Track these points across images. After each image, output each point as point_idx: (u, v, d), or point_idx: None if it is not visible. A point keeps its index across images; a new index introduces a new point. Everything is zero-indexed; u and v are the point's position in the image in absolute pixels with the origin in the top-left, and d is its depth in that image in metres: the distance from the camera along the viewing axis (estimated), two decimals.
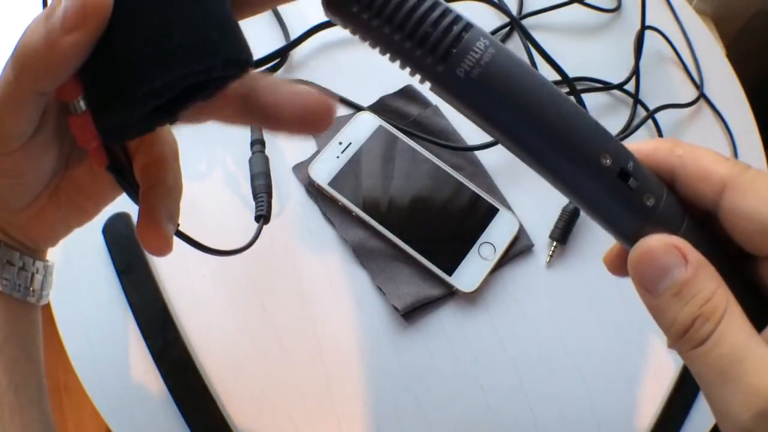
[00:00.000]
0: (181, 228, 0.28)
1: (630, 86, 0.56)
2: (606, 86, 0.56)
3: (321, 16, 0.56)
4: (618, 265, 0.25)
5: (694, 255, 0.21)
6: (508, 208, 0.49)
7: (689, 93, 0.57)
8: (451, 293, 0.47)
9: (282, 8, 0.57)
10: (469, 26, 0.20)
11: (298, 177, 0.50)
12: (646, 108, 0.56)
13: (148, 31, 0.20)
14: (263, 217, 0.45)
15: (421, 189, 0.49)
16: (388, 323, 0.46)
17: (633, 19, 0.61)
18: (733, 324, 0.20)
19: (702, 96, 0.57)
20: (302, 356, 0.45)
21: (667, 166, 0.23)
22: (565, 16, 0.59)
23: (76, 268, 0.47)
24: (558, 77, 0.54)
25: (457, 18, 0.20)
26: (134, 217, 0.48)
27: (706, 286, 0.21)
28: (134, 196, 0.27)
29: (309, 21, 0.55)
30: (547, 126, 0.21)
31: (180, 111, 0.23)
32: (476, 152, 0.52)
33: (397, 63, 0.21)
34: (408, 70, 0.21)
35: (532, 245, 0.49)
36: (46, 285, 0.33)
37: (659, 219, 0.22)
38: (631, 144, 0.23)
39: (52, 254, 0.47)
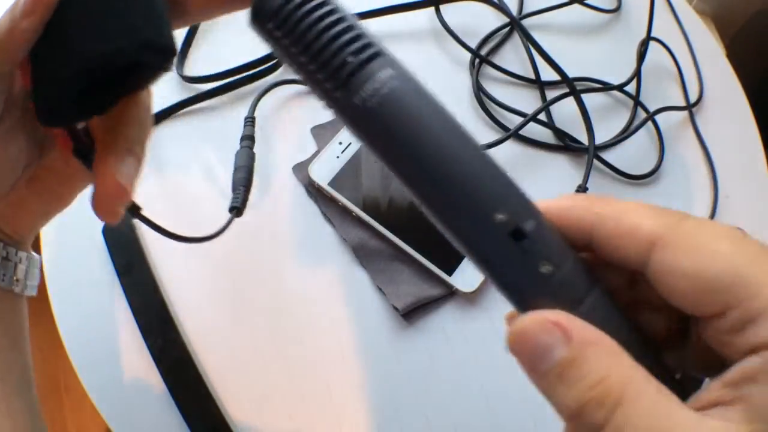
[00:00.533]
0: (167, 220, 0.30)
1: (630, 87, 0.56)
2: (606, 87, 0.56)
3: None
4: None
5: (581, 331, 0.18)
6: None
7: (689, 94, 0.57)
8: (451, 293, 0.47)
9: None
10: (377, 54, 0.20)
11: (298, 177, 0.50)
12: (645, 109, 0.56)
13: (79, 19, 0.22)
14: (236, 209, 0.45)
15: None
16: (388, 323, 0.46)
17: (633, 19, 0.61)
18: (640, 407, 0.17)
19: (702, 98, 0.57)
20: (302, 356, 0.45)
21: (584, 226, 0.20)
22: (565, 16, 0.59)
23: (76, 268, 0.47)
24: (558, 77, 0.54)
25: (367, 45, 0.20)
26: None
27: (596, 366, 0.18)
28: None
29: None
30: (438, 168, 0.19)
31: (114, 100, 0.25)
32: None
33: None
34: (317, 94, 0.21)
35: None
36: (31, 276, 0.33)
37: (555, 290, 0.19)
38: (545, 201, 0.21)
39: (53, 254, 0.48)
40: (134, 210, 0.30)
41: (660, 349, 0.22)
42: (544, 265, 0.19)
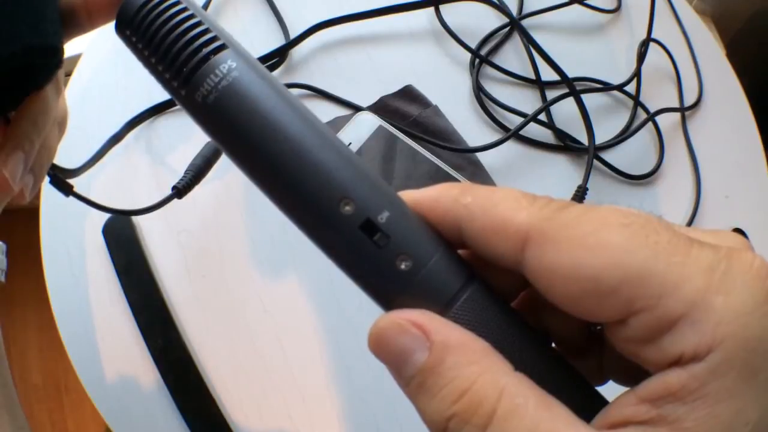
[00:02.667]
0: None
1: (630, 87, 0.56)
2: (606, 87, 0.56)
3: (321, 16, 0.56)
4: None
5: (442, 334, 0.16)
6: None
7: (689, 94, 0.57)
8: None
9: (282, 7, 0.57)
10: (220, 48, 0.19)
11: None
12: (645, 110, 0.56)
13: None
14: (177, 190, 0.43)
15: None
16: None
17: (633, 19, 0.61)
18: (515, 426, 0.14)
19: (701, 97, 0.57)
20: (302, 356, 0.45)
21: (451, 219, 0.18)
22: (565, 16, 0.59)
23: (76, 268, 0.47)
24: (558, 77, 0.54)
25: (210, 39, 0.19)
26: (134, 217, 0.48)
27: (460, 374, 0.15)
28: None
29: (309, 20, 0.55)
30: (279, 157, 0.18)
31: (9, 102, 0.27)
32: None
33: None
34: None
35: None
36: None
37: (418, 287, 0.18)
38: (412, 193, 0.19)
39: (53, 254, 0.48)
40: (66, 189, 0.33)
41: (566, 353, 0.19)
42: (402, 260, 0.18)
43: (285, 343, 0.45)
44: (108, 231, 0.47)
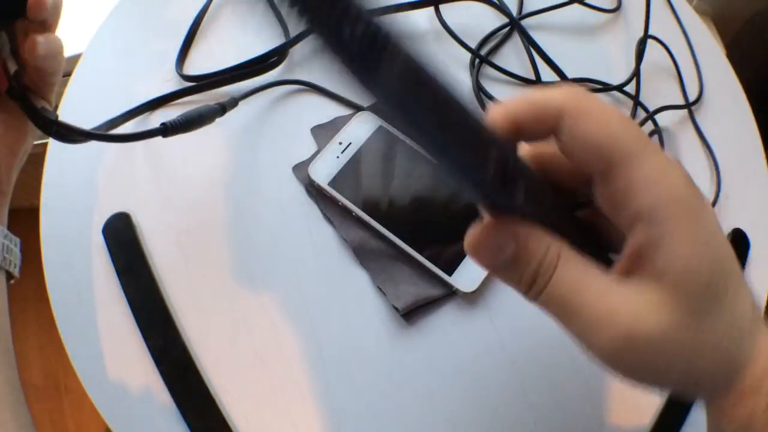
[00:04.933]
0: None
1: (630, 87, 0.56)
2: (606, 87, 0.56)
3: None
4: None
5: (521, 229, 0.24)
6: None
7: (689, 94, 0.57)
8: (451, 293, 0.47)
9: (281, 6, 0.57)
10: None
11: (298, 177, 0.50)
12: (645, 109, 0.56)
13: None
14: (164, 126, 0.43)
15: (421, 189, 0.49)
16: (388, 323, 0.46)
17: (633, 19, 0.61)
18: (565, 268, 0.23)
19: (701, 97, 0.57)
20: (302, 356, 0.45)
21: (512, 111, 0.24)
22: (565, 16, 0.59)
23: (76, 268, 0.47)
24: (557, 78, 0.54)
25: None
26: (134, 217, 0.48)
27: (538, 249, 0.24)
28: (29, 112, 0.36)
29: None
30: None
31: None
32: None
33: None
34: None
35: None
36: (8, 251, 0.37)
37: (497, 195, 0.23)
38: (500, 107, 0.24)
39: (53, 254, 0.48)
40: (50, 124, 0.36)
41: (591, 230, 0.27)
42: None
43: (285, 343, 0.45)
44: (108, 231, 0.47)
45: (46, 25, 0.35)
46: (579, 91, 0.24)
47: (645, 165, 0.22)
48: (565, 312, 0.24)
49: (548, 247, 0.24)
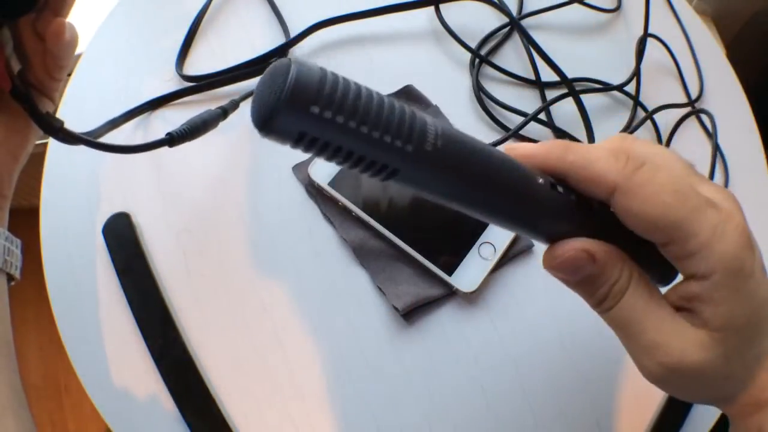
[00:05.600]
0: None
1: (630, 87, 0.56)
2: (606, 87, 0.56)
3: (320, 15, 0.56)
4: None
5: (601, 253, 0.26)
6: None
7: (689, 94, 0.57)
8: (451, 293, 0.47)
9: (282, 6, 0.57)
10: (415, 113, 0.22)
11: (298, 177, 0.50)
12: (645, 109, 0.56)
13: None
14: (170, 136, 0.43)
15: None
16: (388, 323, 0.46)
17: (633, 19, 0.61)
18: (633, 296, 0.26)
19: (701, 97, 0.57)
20: (302, 356, 0.45)
21: (559, 171, 0.27)
22: (565, 16, 0.59)
23: (76, 268, 0.47)
24: (557, 78, 0.54)
25: (412, 110, 0.22)
26: (134, 217, 0.48)
27: (613, 274, 0.26)
28: (35, 117, 0.34)
29: (309, 19, 0.55)
30: (495, 167, 0.24)
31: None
32: None
33: (360, 161, 0.21)
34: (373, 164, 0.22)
35: (532, 245, 0.49)
36: (9, 253, 0.36)
37: (574, 214, 0.26)
38: (522, 147, 0.27)
39: (53, 254, 0.48)
40: (56, 127, 0.35)
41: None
42: (568, 194, 0.26)
43: (285, 343, 0.45)
44: (108, 231, 0.47)
45: (60, 16, 0.33)
46: (631, 163, 0.25)
47: (699, 234, 0.24)
48: (626, 332, 0.27)
49: (621, 273, 0.26)
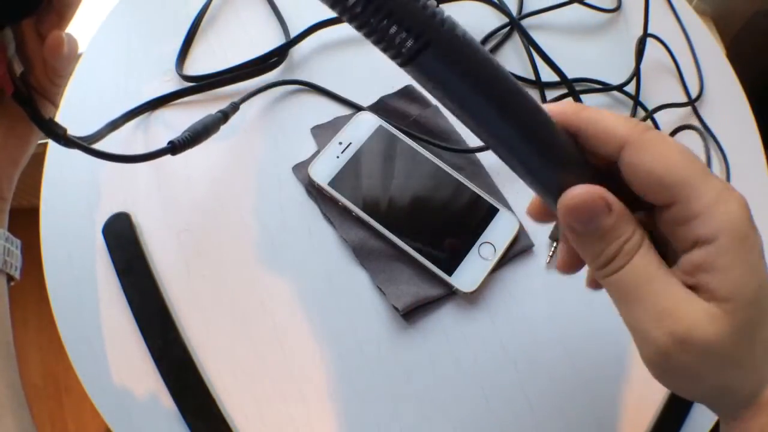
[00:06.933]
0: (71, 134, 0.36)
1: (630, 87, 0.56)
2: (606, 87, 0.56)
3: (321, 15, 0.56)
4: (540, 213, 0.31)
5: (617, 204, 0.25)
6: (508, 208, 0.49)
7: (689, 94, 0.57)
8: (451, 293, 0.47)
9: (282, 6, 0.57)
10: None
11: (298, 177, 0.50)
12: (645, 109, 0.56)
13: None
14: (173, 145, 0.43)
15: (421, 189, 0.49)
16: (388, 323, 0.46)
17: (633, 19, 0.61)
18: (644, 257, 0.25)
19: (701, 97, 0.57)
20: (302, 356, 0.45)
21: (572, 126, 0.26)
22: (565, 16, 0.59)
23: (76, 268, 0.47)
24: (557, 78, 0.54)
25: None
26: (134, 217, 0.48)
27: (627, 230, 0.25)
28: (39, 123, 0.34)
29: (309, 19, 0.55)
30: (504, 79, 0.23)
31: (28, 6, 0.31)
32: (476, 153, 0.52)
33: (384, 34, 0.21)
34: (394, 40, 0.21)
35: (532, 245, 0.49)
36: (9, 253, 0.36)
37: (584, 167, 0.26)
38: (548, 105, 0.26)
39: (53, 254, 0.48)
40: (61, 133, 0.35)
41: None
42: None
43: (285, 343, 0.45)
44: (108, 231, 0.47)
45: (64, 18, 0.32)
46: (642, 125, 0.25)
47: (704, 195, 0.24)
48: (633, 296, 0.25)
49: (634, 231, 0.25)
